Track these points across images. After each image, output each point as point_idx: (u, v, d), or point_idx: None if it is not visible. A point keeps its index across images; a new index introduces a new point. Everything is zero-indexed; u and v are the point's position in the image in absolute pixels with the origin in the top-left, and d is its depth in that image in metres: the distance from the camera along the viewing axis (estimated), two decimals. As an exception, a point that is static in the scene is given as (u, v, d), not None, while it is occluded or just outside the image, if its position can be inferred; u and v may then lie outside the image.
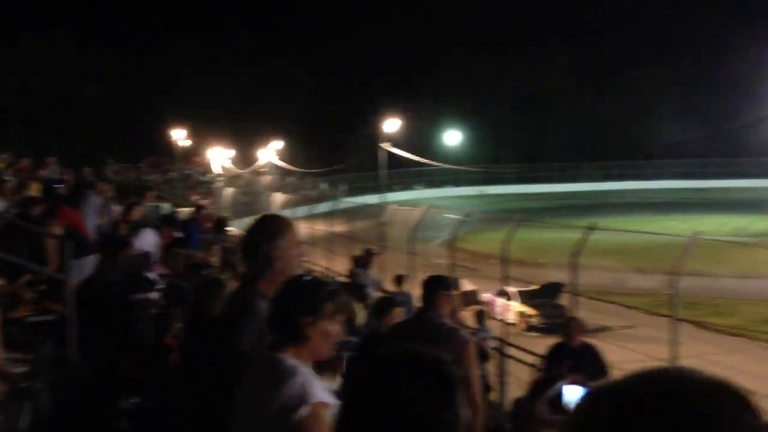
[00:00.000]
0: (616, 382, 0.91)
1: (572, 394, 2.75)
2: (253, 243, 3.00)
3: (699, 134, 57.74)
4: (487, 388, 7.60)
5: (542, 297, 18.52)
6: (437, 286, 4.56)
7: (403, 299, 11.47)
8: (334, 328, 2.41)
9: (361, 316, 5.67)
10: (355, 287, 11.79)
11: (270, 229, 3.00)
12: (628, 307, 17.92)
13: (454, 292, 15.76)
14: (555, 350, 7.73)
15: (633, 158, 66.81)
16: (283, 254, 2.94)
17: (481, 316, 11.55)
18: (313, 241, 21.77)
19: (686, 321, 12.65)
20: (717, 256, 21.65)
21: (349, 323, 5.59)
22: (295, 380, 2.21)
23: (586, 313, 16.57)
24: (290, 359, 2.31)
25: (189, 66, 63.21)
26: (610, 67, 74.18)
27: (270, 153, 52.72)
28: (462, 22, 77.00)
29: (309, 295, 2.38)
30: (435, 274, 4.84)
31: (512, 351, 10.56)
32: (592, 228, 10.95)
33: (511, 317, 18.01)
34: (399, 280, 12.38)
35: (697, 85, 66.68)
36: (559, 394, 2.63)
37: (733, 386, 0.87)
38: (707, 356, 13.23)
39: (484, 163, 63.64)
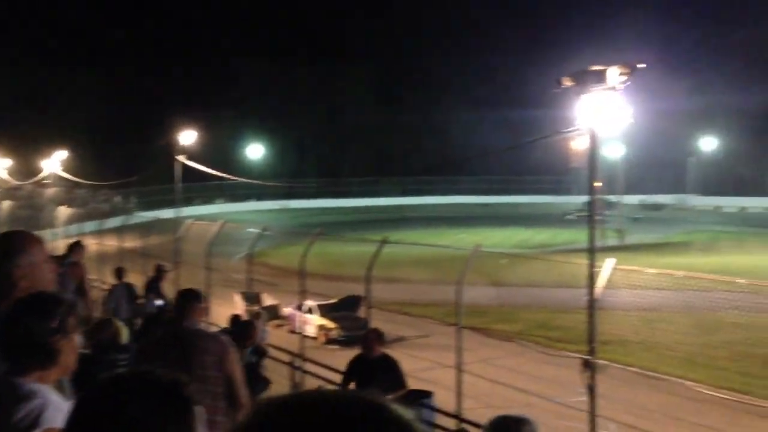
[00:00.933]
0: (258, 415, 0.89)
1: None
2: None
3: (489, 151, 62.03)
4: (266, 382, 7.66)
5: (342, 310, 18.79)
6: (190, 298, 4.83)
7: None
8: (78, 340, 2.41)
9: (124, 334, 5.59)
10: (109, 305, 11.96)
11: (11, 247, 2.78)
12: (423, 317, 18.71)
13: (256, 307, 15.82)
14: (354, 362, 7.82)
15: (429, 174, 70.41)
16: (27, 273, 2.74)
17: (257, 316, 11.85)
18: (102, 258, 20.48)
19: (473, 328, 13.46)
20: (502, 267, 23.31)
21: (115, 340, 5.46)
22: (31, 404, 2.13)
23: (385, 324, 17.06)
24: (30, 383, 2.21)
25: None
26: (408, 85, 77.61)
27: (54, 163, 48.81)
28: (264, 35, 76.80)
29: (53, 313, 2.29)
30: (188, 287, 5.25)
31: (309, 365, 10.58)
32: (385, 242, 11.29)
33: (311, 331, 18.09)
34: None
35: (487, 103, 71.60)
36: None
37: (374, 404, 0.87)
38: (492, 360, 14.13)
39: (287, 178, 63.70)
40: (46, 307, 2.30)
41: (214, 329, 8.73)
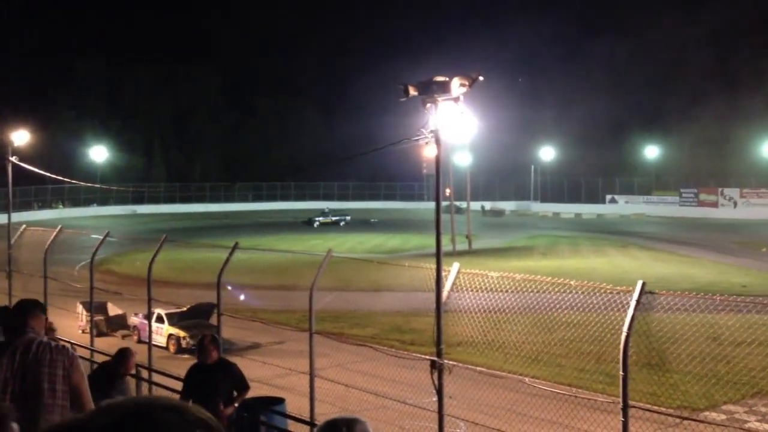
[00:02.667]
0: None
1: None
2: None
3: (332, 159, 62.81)
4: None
5: (193, 317, 18.27)
6: (33, 308, 4.74)
7: None
8: None
9: None
10: None
11: None
12: (278, 323, 18.52)
13: (100, 317, 15.11)
14: (192, 370, 7.73)
15: (282, 179, 70.08)
16: None
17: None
18: None
19: (328, 333, 13.50)
20: (356, 272, 23.58)
21: None
22: None
23: (239, 331, 16.80)
24: None
25: None
26: (260, 89, 76.80)
27: None
28: (106, 34, 73.26)
29: None
30: (27, 298, 5.10)
31: (158, 376, 10.19)
32: (236, 247, 11.10)
33: (161, 340, 17.45)
34: None
35: (341, 109, 72.28)
36: None
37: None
38: (347, 365, 14.23)
39: (135, 182, 61.12)
40: None
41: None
